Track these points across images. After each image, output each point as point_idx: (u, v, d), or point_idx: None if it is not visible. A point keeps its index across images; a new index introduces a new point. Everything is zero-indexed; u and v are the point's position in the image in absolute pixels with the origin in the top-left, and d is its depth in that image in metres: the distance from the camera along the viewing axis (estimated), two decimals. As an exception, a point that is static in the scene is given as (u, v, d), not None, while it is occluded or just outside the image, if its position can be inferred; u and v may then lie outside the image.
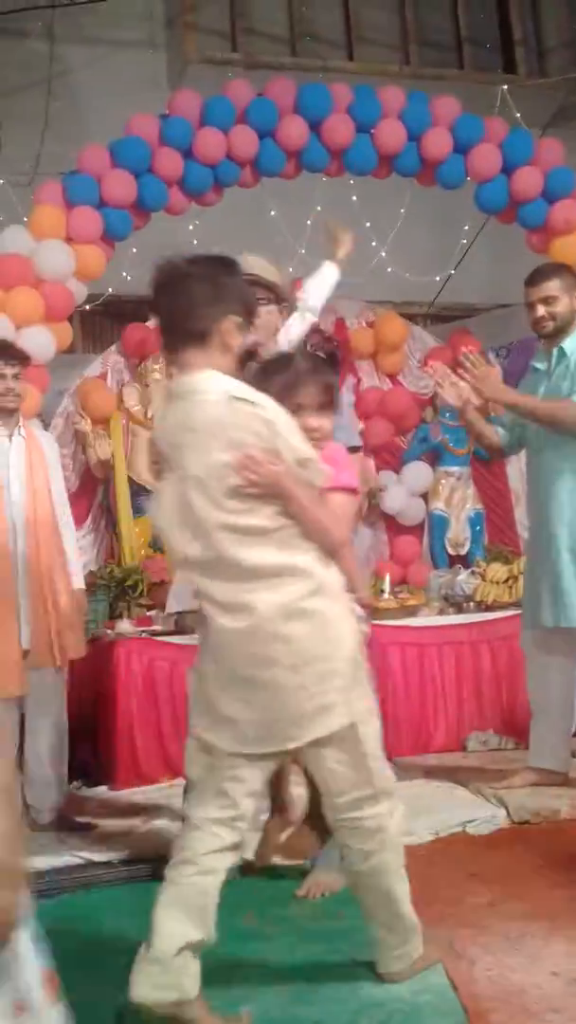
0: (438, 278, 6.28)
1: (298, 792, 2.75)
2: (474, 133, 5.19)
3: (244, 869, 2.74)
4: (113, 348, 5.81)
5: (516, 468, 5.98)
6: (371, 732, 2.20)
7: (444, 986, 2.34)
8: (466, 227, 6.07)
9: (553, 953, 2.43)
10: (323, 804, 2.30)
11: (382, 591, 5.18)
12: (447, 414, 5.88)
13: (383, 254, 5.64)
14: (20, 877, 1.22)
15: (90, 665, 4.18)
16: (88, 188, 4.69)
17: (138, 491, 5.36)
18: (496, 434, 3.85)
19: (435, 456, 6.10)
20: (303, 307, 3.36)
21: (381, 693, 3.72)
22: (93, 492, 5.61)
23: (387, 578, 5.25)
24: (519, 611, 3.98)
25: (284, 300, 3.22)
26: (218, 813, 2.15)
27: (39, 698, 3.57)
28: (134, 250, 5.23)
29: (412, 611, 5.06)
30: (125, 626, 4.55)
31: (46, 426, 5.21)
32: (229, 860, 2.21)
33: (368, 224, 5.59)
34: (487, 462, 5.97)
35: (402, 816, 2.28)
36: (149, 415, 5.48)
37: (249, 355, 2.59)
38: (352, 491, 2.41)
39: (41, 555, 3.56)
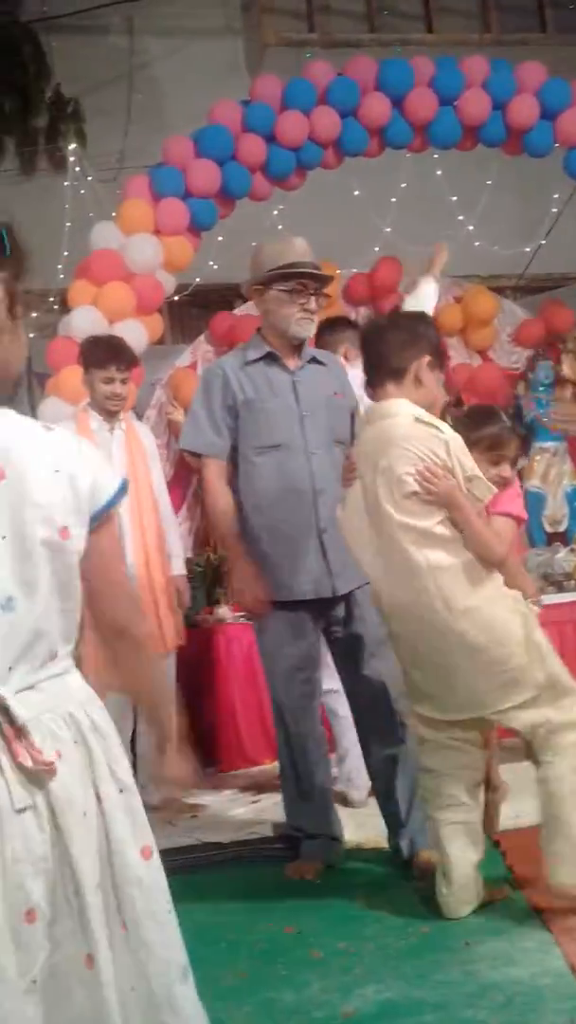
0: (527, 249, 6.13)
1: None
2: (561, 97, 5.04)
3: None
4: (202, 338, 5.86)
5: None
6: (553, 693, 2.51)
7: (563, 970, 2.31)
8: (555, 195, 5.90)
9: None
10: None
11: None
12: (540, 388, 5.75)
13: (470, 228, 5.53)
14: None
15: (191, 651, 4.25)
16: (174, 180, 4.73)
17: (231, 478, 5.39)
18: None
19: (529, 432, 5.98)
20: None
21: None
22: (187, 481, 5.67)
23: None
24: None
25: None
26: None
27: None
28: (220, 238, 5.26)
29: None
30: (224, 612, 4.61)
31: (139, 417, 5.29)
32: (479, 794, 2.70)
33: (454, 198, 5.49)
34: None
35: None
36: (239, 403, 5.50)
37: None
38: (514, 517, 2.71)
39: (145, 545, 3.62)
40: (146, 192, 4.76)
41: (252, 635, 4.35)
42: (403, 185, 5.30)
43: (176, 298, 5.39)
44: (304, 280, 2.99)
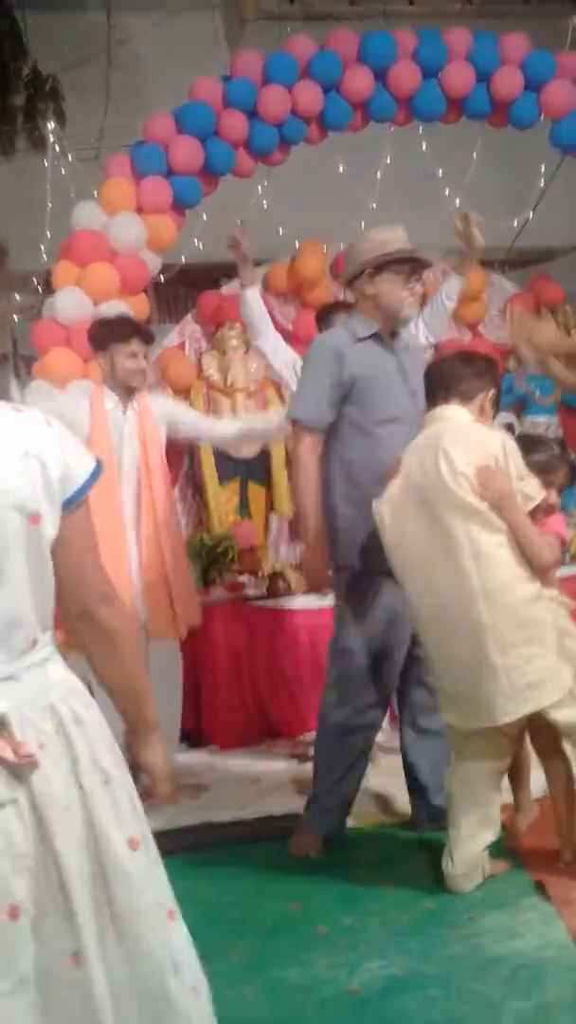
0: (515, 222, 6.09)
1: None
2: (545, 69, 4.99)
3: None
4: (189, 317, 5.81)
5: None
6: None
7: (566, 942, 2.34)
8: (542, 167, 5.86)
9: None
10: None
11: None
12: (530, 362, 5.73)
13: (457, 202, 5.48)
14: None
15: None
16: (156, 157, 4.66)
17: (223, 458, 5.37)
18: None
19: (521, 406, 5.96)
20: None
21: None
22: (179, 461, 5.65)
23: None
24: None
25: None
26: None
27: (156, 665, 3.62)
28: (204, 217, 5.20)
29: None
30: (220, 592, 4.59)
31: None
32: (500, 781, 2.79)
33: (440, 173, 5.44)
34: (576, 410, 5.83)
35: None
36: (229, 382, 5.47)
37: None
38: (560, 537, 2.85)
39: (156, 525, 3.57)
40: (128, 171, 4.69)
41: (248, 615, 4.38)
42: (387, 160, 5.25)
43: (162, 278, 5.33)
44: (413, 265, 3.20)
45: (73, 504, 1.43)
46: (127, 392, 3.68)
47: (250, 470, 5.62)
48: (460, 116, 5.09)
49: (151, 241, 4.70)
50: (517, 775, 2.94)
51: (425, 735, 3.13)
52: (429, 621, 2.71)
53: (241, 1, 6.24)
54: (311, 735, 4.28)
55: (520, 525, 2.61)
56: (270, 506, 5.69)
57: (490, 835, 2.69)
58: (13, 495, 1.34)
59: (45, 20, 6.08)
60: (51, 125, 5.35)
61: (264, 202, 5.24)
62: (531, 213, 6.03)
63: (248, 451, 5.60)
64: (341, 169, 5.38)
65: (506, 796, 2.93)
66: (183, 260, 5.44)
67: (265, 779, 3.82)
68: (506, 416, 6.03)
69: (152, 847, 1.45)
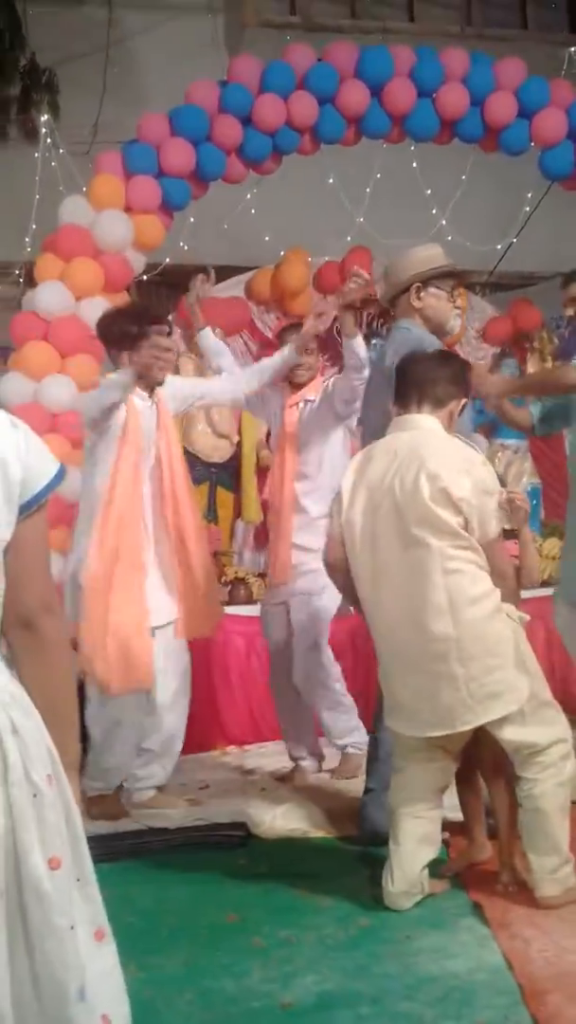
0: (499, 246, 6.15)
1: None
2: (539, 97, 5.04)
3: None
4: (170, 319, 5.81)
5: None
6: (532, 708, 2.59)
7: (499, 965, 2.35)
8: (528, 194, 5.92)
9: (610, 935, 2.43)
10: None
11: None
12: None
13: (443, 222, 5.53)
14: None
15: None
16: (147, 157, 4.67)
17: (193, 462, 5.37)
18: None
19: (491, 428, 6.01)
20: None
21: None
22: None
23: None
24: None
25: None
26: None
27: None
28: (192, 219, 5.20)
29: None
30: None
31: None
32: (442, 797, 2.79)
33: (428, 191, 5.48)
34: (546, 435, 5.86)
35: (574, 763, 2.64)
36: (205, 385, 5.47)
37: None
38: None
39: (180, 522, 3.51)
40: (118, 168, 4.69)
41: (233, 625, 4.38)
42: (378, 176, 5.28)
43: (145, 277, 5.33)
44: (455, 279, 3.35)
45: (31, 508, 1.40)
46: (153, 383, 3.56)
47: (219, 476, 5.63)
48: (452, 137, 5.14)
49: (137, 240, 4.70)
50: (472, 808, 2.94)
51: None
52: (389, 628, 2.71)
53: (242, 7, 6.26)
54: (263, 746, 4.32)
55: (527, 544, 2.89)
56: (237, 512, 5.70)
57: (430, 853, 2.71)
58: None
59: (45, 12, 6.08)
60: (44, 117, 5.34)
61: (252, 209, 5.25)
62: (514, 238, 6.09)
63: (219, 456, 5.61)
64: (331, 181, 5.40)
65: (455, 814, 2.95)
66: (167, 260, 5.44)
67: (213, 785, 3.81)
68: (477, 437, 6.08)
69: (83, 868, 1.41)
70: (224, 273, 5.45)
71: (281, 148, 4.90)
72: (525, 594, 4.83)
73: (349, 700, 3.84)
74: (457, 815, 2.98)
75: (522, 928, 2.49)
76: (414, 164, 5.44)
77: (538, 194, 5.92)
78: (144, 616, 3.38)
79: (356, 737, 3.80)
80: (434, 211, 5.61)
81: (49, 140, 5.21)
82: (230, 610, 4.38)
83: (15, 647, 1.43)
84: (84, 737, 3.63)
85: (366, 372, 3.60)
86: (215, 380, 3.96)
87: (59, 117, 5.62)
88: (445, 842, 3.00)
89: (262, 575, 4.60)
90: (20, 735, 1.34)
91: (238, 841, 3.24)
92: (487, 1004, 2.17)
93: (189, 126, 4.69)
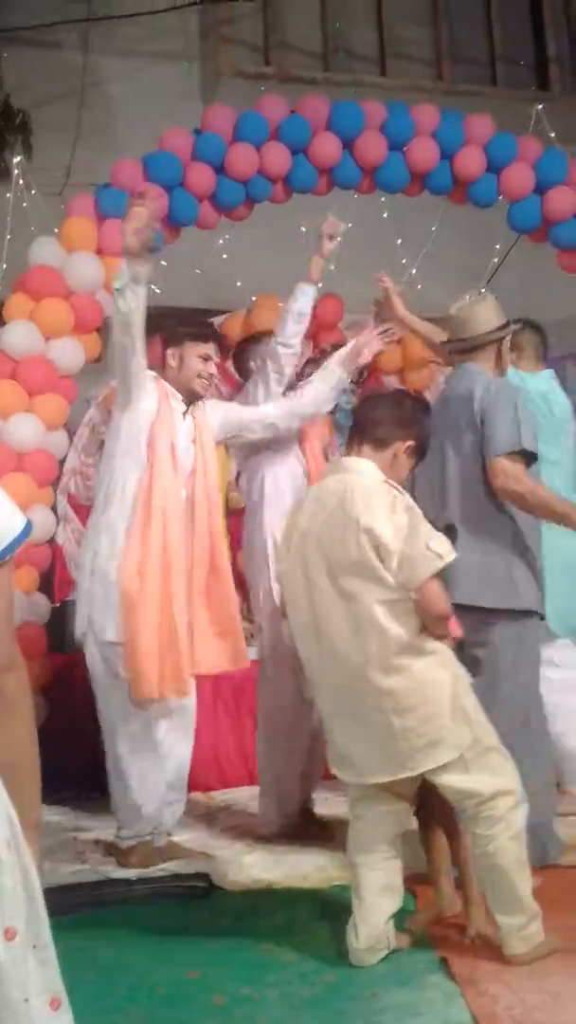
0: (468, 296, 6.24)
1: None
2: (508, 152, 5.16)
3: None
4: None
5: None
6: (475, 754, 2.56)
7: (466, 1021, 2.31)
8: (497, 246, 6.03)
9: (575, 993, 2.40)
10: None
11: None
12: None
13: (413, 271, 5.61)
14: None
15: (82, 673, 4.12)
16: (120, 201, 4.67)
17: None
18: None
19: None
20: (276, 342, 3.88)
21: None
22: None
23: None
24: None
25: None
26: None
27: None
28: (163, 263, 5.22)
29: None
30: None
31: (71, 435, 5.21)
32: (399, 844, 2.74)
33: (399, 241, 5.56)
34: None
35: (523, 812, 2.58)
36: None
37: None
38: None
39: (213, 550, 3.41)
40: (90, 211, 4.71)
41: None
42: (349, 224, 5.35)
43: (116, 319, 5.34)
44: None
45: None
46: (189, 396, 3.52)
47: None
48: (422, 190, 5.23)
49: (108, 283, 4.70)
50: (436, 860, 2.88)
51: None
52: (326, 679, 2.69)
53: (217, 56, 6.36)
54: (228, 792, 4.26)
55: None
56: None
57: (393, 904, 2.66)
58: None
59: (21, 54, 6.14)
60: (17, 158, 5.36)
61: (224, 255, 5.29)
62: (483, 288, 6.18)
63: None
64: (303, 229, 5.47)
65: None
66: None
67: (176, 835, 3.74)
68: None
69: (39, 932, 1.36)
70: (197, 316, 5.48)
71: (254, 196, 4.95)
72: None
73: None
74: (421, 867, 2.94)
75: (489, 985, 2.46)
76: (384, 215, 5.52)
77: (506, 245, 6.03)
78: (183, 623, 3.27)
79: None
80: (404, 260, 5.70)
81: (21, 181, 5.23)
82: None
83: None
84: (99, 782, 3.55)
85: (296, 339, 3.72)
86: (259, 411, 3.74)
87: (32, 158, 5.64)
88: (413, 893, 2.97)
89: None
90: None
91: (201, 892, 3.17)
92: (453, 1065, 2.13)
93: (163, 172, 4.73)
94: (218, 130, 4.85)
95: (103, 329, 5.06)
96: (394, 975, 2.57)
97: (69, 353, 4.58)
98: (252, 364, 4.12)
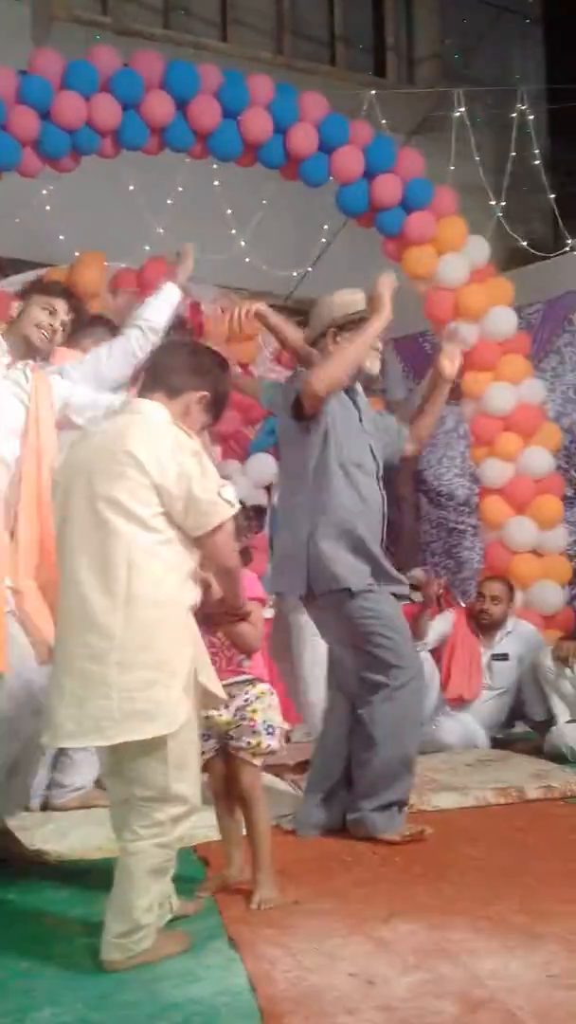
0: (295, 273, 6.30)
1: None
2: (339, 134, 5.23)
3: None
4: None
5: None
6: (183, 744, 2.33)
7: (243, 988, 2.35)
8: (325, 226, 6.11)
9: (353, 953, 2.49)
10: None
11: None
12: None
13: (243, 243, 5.60)
14: None
15: None
16: None
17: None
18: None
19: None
20: (147, 326, 3.47)
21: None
22: None
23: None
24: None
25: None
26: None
27: None
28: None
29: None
30: None
31: None
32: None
33: (229, 211, 5.53)
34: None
35: (187, 825, 2.40)
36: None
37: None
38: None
39: (43, 522, 3.14)
40: None
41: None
42: (180, 189, 5.27)
43: None
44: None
45: None
46: (25, 349, 3.23)
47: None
48: (254, 162, 5.22)
49: None
50: (228, 830, 2.86)
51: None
52: (61, 615, 2.44)
53: (52, -1, 6.08)
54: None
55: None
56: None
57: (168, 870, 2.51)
58: None
59: None
60: None
61: (47, 206, 5.09)
62: (310, 267, 6.26)
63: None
64: (132, 188, 5.34)
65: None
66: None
67: None
68: (267, 457, 6.17)
69: None
70: (16, 267, 5.26)
71: (80, 148, 4.79)
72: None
73: None
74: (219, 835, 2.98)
75: (268, 949, 2.51)
76: (216, 182, 5.47)
77: (335, 226, 6.12)
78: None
79: None
80: (233, 231, 5.68)
81: None
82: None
83: None
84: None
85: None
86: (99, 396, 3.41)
87: None
88: (204, 861, 2.98)
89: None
90: None
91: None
92: (226, 1029, 2.16)
93: (-17, 112, 4.49)
94: (46, 75, 4.66)
95: None
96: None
97: None
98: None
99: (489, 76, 7.47)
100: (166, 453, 2.35)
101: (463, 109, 5.92)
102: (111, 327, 3.88)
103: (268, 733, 2.76)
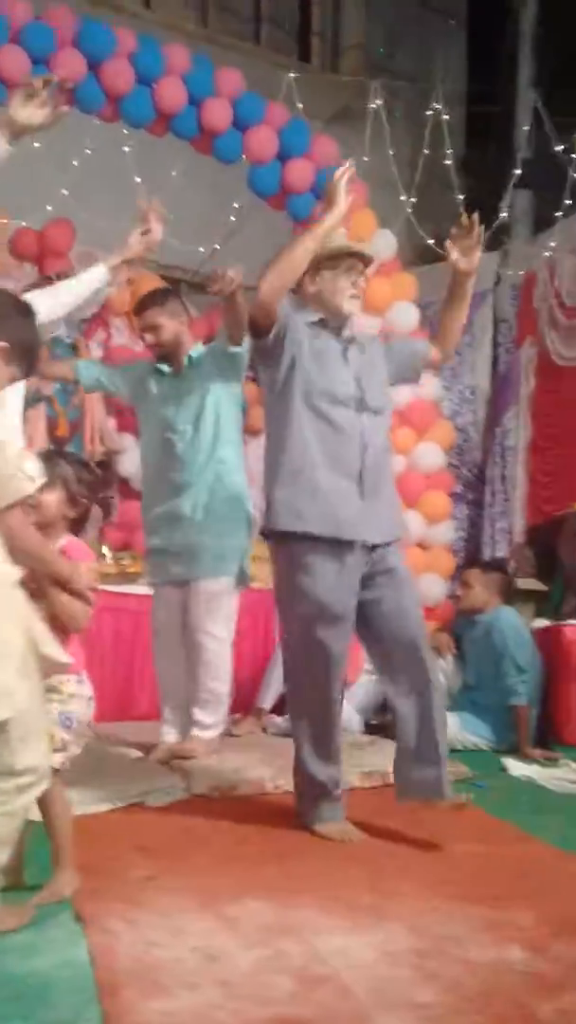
0: (202, 249, 6.23)
1: None
2: (254, 112, 5.19)
3: None
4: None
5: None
6: (26, 720, 2.23)
7: (84, 960, 2.32)
8: (236, 205, 6.07)
9: (199, 929, 2.49)
10: None
11: (103, 555, 5.09)
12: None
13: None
14: None
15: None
16: None
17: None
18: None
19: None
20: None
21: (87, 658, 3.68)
22: None
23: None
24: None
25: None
26: None
27: None
28: None
29: (132, 578, 5.00)
30: None
31: None
32: None
33: (138, 180, 5.43)
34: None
35: (34, 793, 2.32)
36: None
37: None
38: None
39: None
40: None
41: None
42: (88, 151, 5.14)
43: None
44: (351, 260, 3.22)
45: None
46: None
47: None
48: (166, 131, 5.13)
49: None
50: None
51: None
52: None
53: None
54: None
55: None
56: None
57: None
58: None
59: None
60: None
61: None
62: (218, 245, 6.21)
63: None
64: (37, 145, 5.18)
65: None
66: None
67: None
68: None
69: None
70: None
71: (-16, 98, 4.62)
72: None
73: None
74: (85, 809, 2.93)
75: (114, 923, 2.48)
76: (126, 148, 5.37)
77: (247, 204, 6.07)
78: None
79: None
80: (143, 202, 5.56)
81: None
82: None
83: None
84: None
85: None
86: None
87: None
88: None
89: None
90: None
91: None
92: (61, 1002, 2.13)
93: None
94: (-49, 18, 4.47)
95: None
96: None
97: None
98: None
99: (411, 72, 7.54)
100: None
101: (380, 102, 5.95)
102: None
103: (65, 726, 2.61)
